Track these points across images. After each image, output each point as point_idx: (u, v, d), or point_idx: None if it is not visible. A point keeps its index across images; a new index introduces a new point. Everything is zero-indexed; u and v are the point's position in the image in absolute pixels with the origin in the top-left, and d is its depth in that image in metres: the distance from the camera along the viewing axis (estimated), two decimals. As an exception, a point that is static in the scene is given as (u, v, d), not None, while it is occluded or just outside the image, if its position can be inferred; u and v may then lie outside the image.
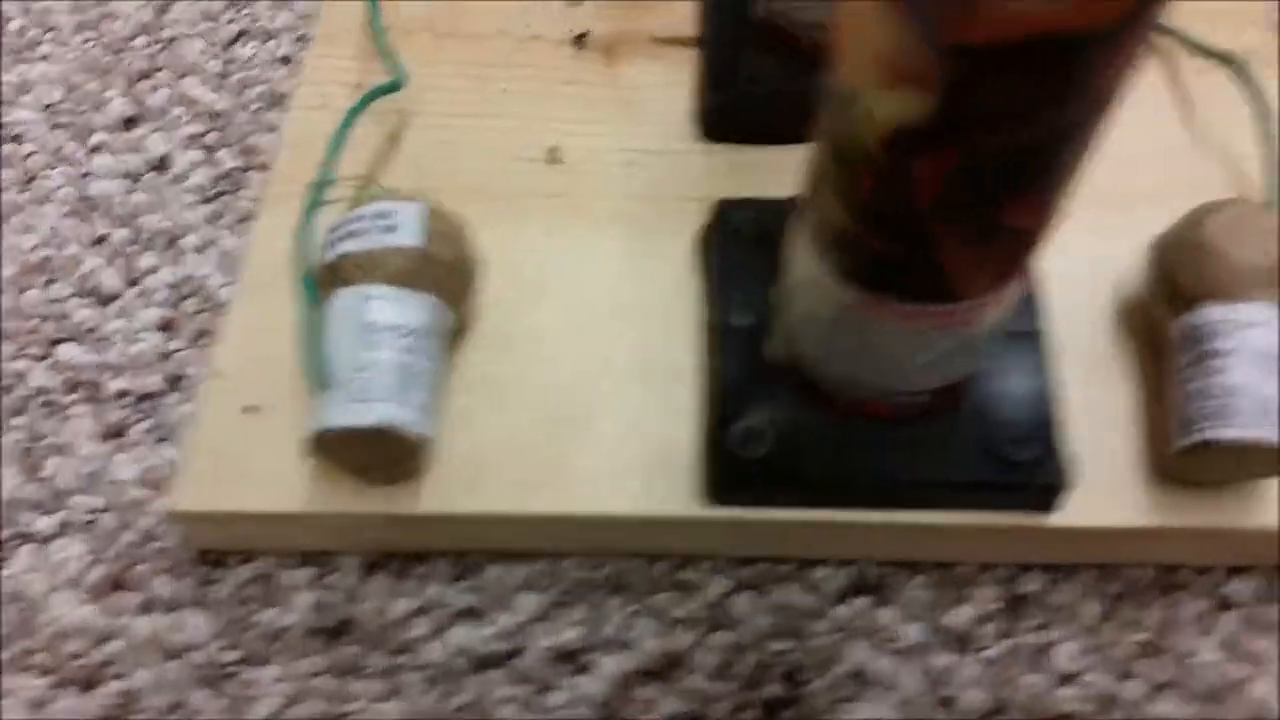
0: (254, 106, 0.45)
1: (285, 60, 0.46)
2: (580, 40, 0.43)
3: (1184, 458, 0.32)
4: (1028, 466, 0.32)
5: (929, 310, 0.27)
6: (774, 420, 0.32)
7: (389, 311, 0.31)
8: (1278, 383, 0.31)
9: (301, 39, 0.47)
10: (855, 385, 0.31)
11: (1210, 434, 0.31)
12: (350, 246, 0.32)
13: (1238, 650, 0.34)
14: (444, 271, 0.32)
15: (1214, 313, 0.32)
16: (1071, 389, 0.34)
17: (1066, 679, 0.34)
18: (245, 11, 0.48)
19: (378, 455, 0.31)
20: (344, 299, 0.31)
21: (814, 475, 0.32)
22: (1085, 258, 0.36)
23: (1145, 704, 0.33)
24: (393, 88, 0.38)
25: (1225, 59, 0.40)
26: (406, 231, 0.32)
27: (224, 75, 0.46)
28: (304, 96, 0.41)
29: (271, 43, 0.47)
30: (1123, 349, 0.35)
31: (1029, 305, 0.34)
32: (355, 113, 0.37)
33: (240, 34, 0.47)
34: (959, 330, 0.28)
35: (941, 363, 0.29)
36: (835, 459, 0.32)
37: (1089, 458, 0.33)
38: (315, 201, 0.35)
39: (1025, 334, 0.34)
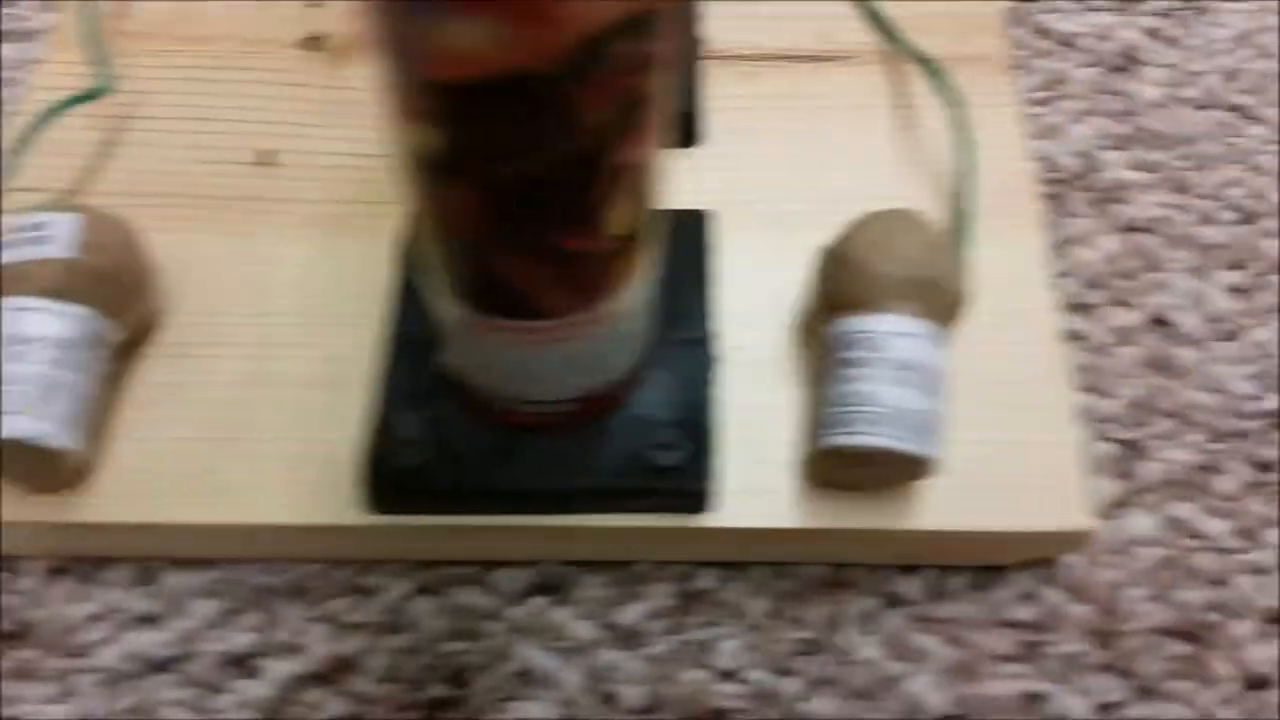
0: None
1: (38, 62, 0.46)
2: (312, 42, 0.43)
3: (823, 462, 0.33)
4: (672, 471, 0.32)
5: (526, 327, 0.27)
6: (432, 430, 0.32)
7: (36, 323, 0.31)
8: (916, 394, 0.31)
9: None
10: (498, 396, 0.31)
11: (833, 440, 0.31)
12: (4, 258, 0.32)
13: (899, 647, 0.35)
14: (100, 282, 0.32)
15: (852, 323, 0.32)
16: (740, 395, 0.35)
17: (727, 675, 0.34)
18: (9, 11, 0.47)
19: (28, 466, 0.31)
20: (-2, 311, 0.31)
21: (468, 484, 0.32)
22: (767, 264, 0.37)
23: (801, 701, 0.34)
24: (95, 94, 0.38)
25: (923, 61, 0.40)
26: (58, 243, 0.32)
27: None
28: (29, 103, 0.40)
29: (29, 44, 0.46)
30: (797, 356, 0.36)
31: (695, 312, 0.35)
32: (46, 119, 0.37)
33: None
34: (565, 345, 0.28)
35: (566, 374, 0.30)
36: (489, 468, 0.32)
37: (749, 462, 0.34)
38: (-11, 210, 0.35)
39: (690, 341, 0.34)
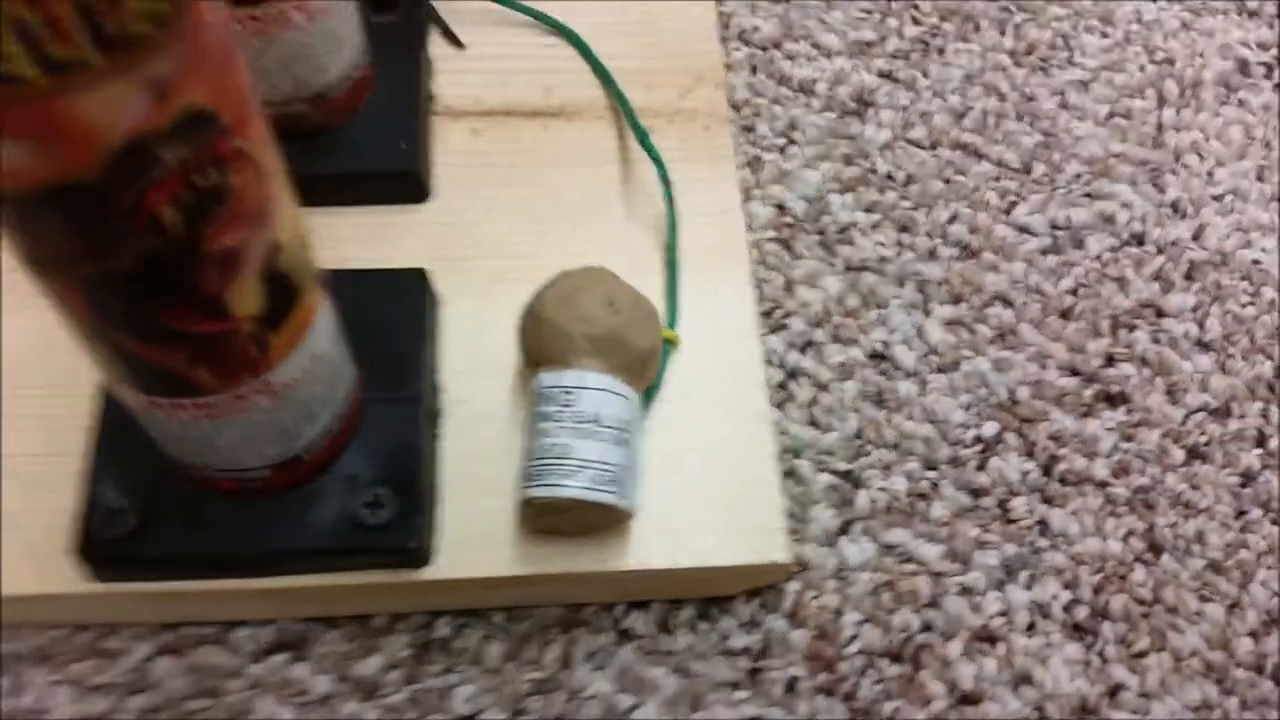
0: None
1: None
2: None
3: (530, 512, 0.33)
4: (382, 529, 0.32)
5: (188, 404, 0.27)
6: (139, 498, 0.32)
7: None
8: (607, 446, 0.32)
9: None
10: (192, 465, 0.31)
11: (530, 492, 0.32)
12: None
13: (628, 680, 0.35)
14: None
15: (546, 378, 0.33)
16: (463, 448, 0.35)
17: (461, 720, 0.35)
18: None
19: None
20: None
21: (177, 550, 0.32)
22: (491, 320, 0.37)
23: (530, 739, 0.34)
24: None
25: (633, 120, 0.41)
26: None
27: None
28: None
29: None
30: (517, 408, 0.36)
31: (410, 369, 0.35)
32: None
33: None
34: (238, 417, 0.28)
35: (250, 442, 0.30)
36: (197, 534, 0.32)
37: (471, 513, 0.34)
38: None
39: (404, 399, 0.34)
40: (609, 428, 0.32)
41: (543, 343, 0.33)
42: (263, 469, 0.31)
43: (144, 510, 0.32)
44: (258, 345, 0.27)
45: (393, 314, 0.35)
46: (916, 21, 0.49)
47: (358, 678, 0.35)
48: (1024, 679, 0.36)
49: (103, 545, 0.32)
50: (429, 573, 0.33)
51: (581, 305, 0.33)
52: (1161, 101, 0.47)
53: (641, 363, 0.33)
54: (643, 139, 0.40)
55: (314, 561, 0.33)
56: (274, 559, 0.32)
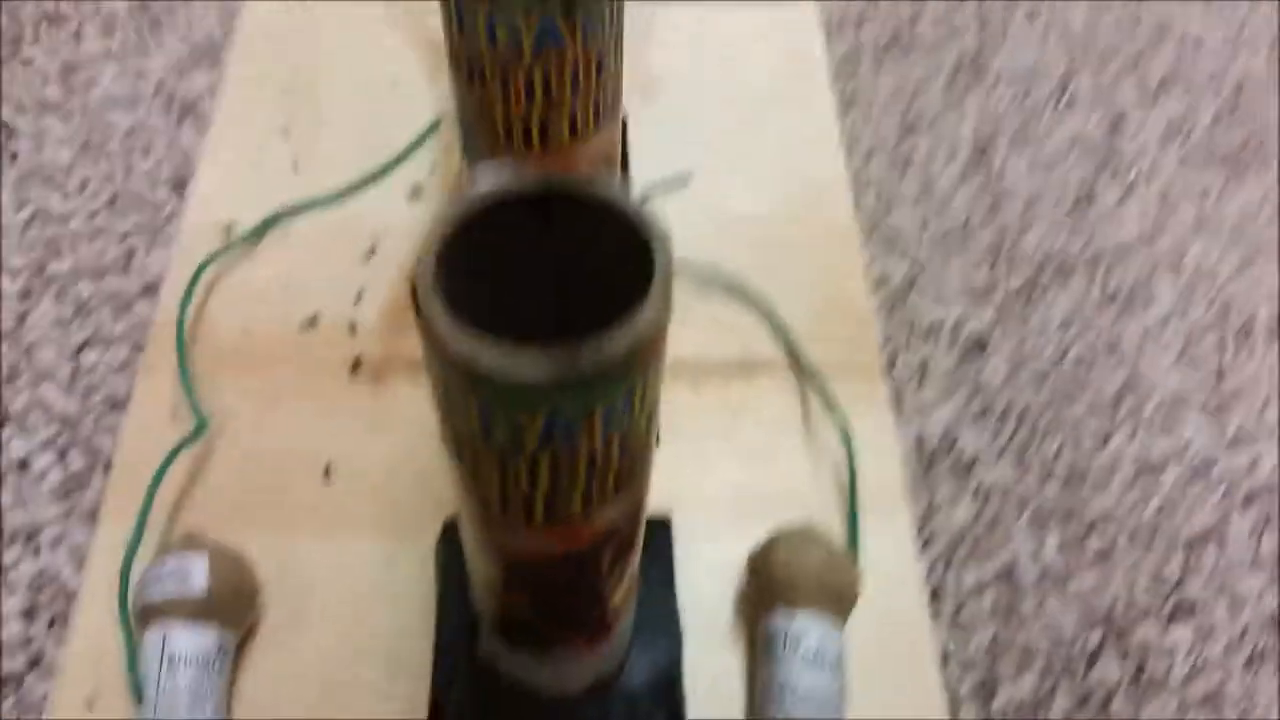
0: (98, 411, 0.53)
1: (124, 366, 0.55)
2: (356, 367, 0.52)
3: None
4: (653, 732, 0.42)
5: (551, 654, 0.37)
6: (474, 708, 0.42)
7: (183, 643, 0.40)
8: (825, 675, 0.42)
9: (138, 346, 0.55)
10: (528, 684, 0.41)
11: (763, 715, 0.42)
12: (154, 595, 0.41)
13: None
14: (226, 604, 0.42)
15: (775, 618, 0.43)
16: (702, 665, 0.45)
17: None
18: (91, 318, 0.56)
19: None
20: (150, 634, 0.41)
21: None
22: (718, 553, 0.47)
23: None
24: (196, 436, 0.48)
25: (812, 376, 0.51)
26: (195, 579, 0.41)
27: (73, 380, 0.54)
28: (130, 428, 0.50)
29: (112, 350, 0.55)
30: (741, 629, 0.46)
31: (665, 602, 0.45)
32: (165, 468, 0.46)
33: (86, 341, 0.56)
34: (583, 658, 0.38)
35: (584, 672, 0.40)
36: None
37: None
38: (133, 548, 0.44)
39: (662, 625, 0.44)
40: (828, 661, 0.42)
41: (771, 590, 0.43)
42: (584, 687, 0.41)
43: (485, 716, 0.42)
44: (617, 615, 0.37)
45: (646, 557, 0.45)
46: (1020, 269, 0.59)
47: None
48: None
49: None
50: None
51: (805, 563, 0.43)
52: (1222, 343, 0.57)
53: (850, 602, 0.43)
54: (825, 398, 0.50)
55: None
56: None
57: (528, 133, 0.42)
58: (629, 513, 0.30)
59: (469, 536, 0.32)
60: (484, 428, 0.25)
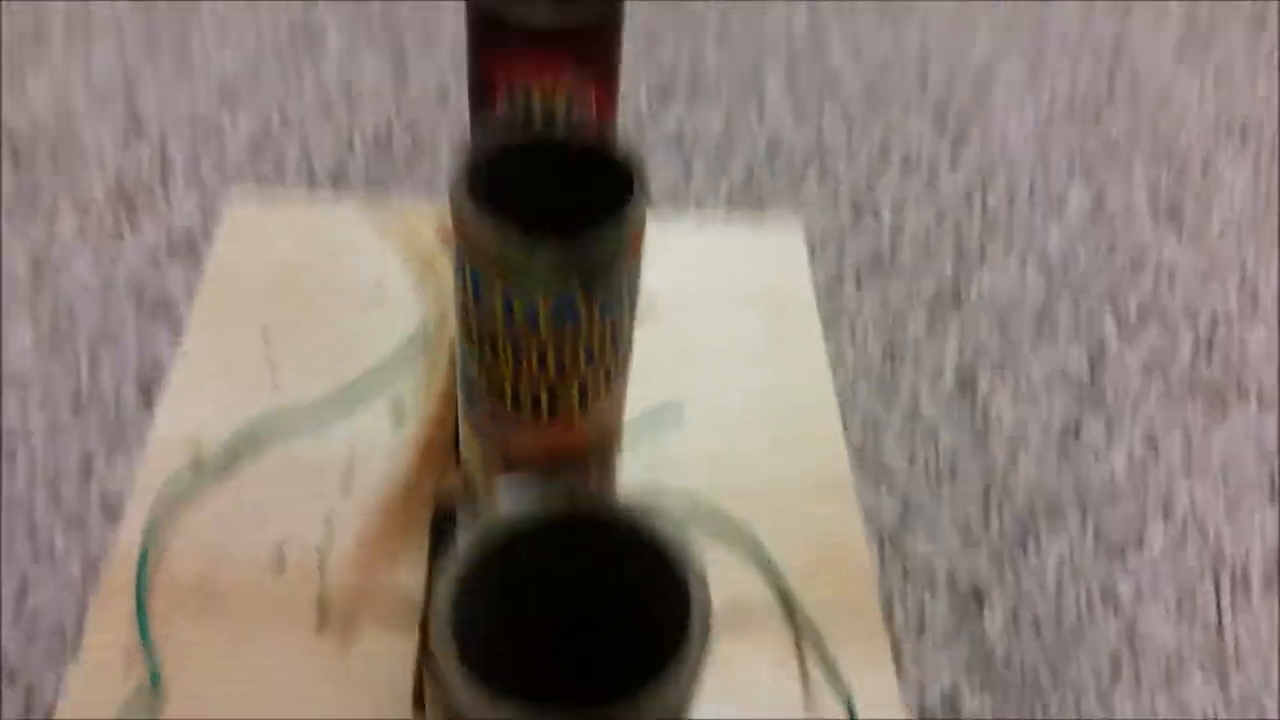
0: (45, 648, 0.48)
1: (71, 587, 0.50)
2: (323, 618, 0.47)
3: None
4: None
5: None
6: None
7: None
8: None
9: (90, 566, 0.50)
10: None
11: None
12: None
13: None
14: None
15: None
16: None
17: None
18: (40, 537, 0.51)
19: None
20: None
21: None
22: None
23: None
24: (150, 693, 0.42)
25: (812, 633, 0.47)
26: None
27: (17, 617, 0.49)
28: (79, 679, 0.44)
29: (61, 569, 0.50)
30: None
31: None
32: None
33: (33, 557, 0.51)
34: None
35: None
36: None
37: None
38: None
39: None
40: None
41: None
42: None
43: None
44: None
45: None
46: (1012, 507, 0.56)
47: None
48: None
49: None
50: None
51: None
52: (1218, 592, 0.55)
53: None
54: (824, 659, 0.46)
55: None
56: None
57: (536, 399, 0.38)
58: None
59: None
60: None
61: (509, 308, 0.33)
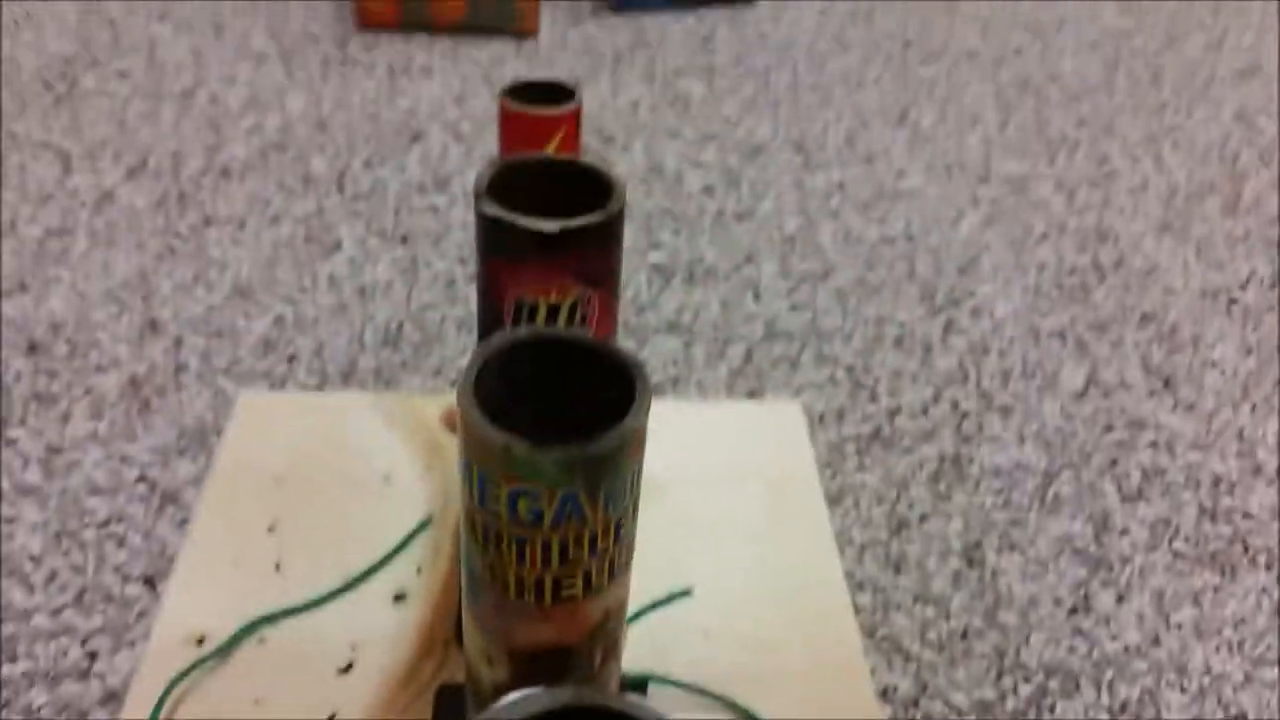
0: None
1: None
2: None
3: None
4: None
5: None
6: None
7: None
8: None
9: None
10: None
11: None
12: None
13: None
14: None
15: None
16: None
17: None
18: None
19: None
20: None
21: None
22: None
23: None
24: None
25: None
26: None
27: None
28: None
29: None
30: None
31: None
32: None
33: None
34: None
35: None
36: None
37: None
38: None
39: None
40: None
41: None
42: None
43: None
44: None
45: None
46: (1027, 679, 0.55)
47: None
48: None
49: None
50: None
51: None
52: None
53: None
54: None
55: None
56: None
57: (540, 589, 0.39)
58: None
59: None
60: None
61: (514, 507, 0.34)
